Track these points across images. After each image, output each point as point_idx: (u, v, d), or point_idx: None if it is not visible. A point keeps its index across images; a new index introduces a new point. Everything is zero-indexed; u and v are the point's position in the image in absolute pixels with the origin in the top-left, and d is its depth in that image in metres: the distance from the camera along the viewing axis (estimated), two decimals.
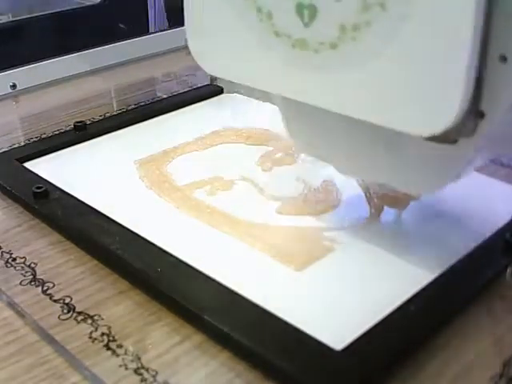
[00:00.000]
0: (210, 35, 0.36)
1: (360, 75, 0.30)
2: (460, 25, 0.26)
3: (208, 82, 0.63)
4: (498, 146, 0.36)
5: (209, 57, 0.37)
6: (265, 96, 0.55)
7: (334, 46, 0.30)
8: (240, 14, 0.33)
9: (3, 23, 0.69)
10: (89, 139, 0.54)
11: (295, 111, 0.38)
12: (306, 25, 0.31)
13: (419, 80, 0.28)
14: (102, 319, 0.34)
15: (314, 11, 0.30)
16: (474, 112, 0.30)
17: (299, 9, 0.31)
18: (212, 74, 0.39)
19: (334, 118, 0.32)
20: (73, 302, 0.35)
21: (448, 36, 0.27)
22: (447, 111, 0.28)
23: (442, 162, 0.34)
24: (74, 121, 0.55)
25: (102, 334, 0.33)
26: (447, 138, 0.31)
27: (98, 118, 0.58)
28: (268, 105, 0.59)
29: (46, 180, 0.46)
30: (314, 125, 0.38)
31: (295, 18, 0.31)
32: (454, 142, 0.31)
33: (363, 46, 0.29)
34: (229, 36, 0.35)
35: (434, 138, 0.30)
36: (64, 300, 0.35)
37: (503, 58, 0.29)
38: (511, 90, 0.29)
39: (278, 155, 0.50)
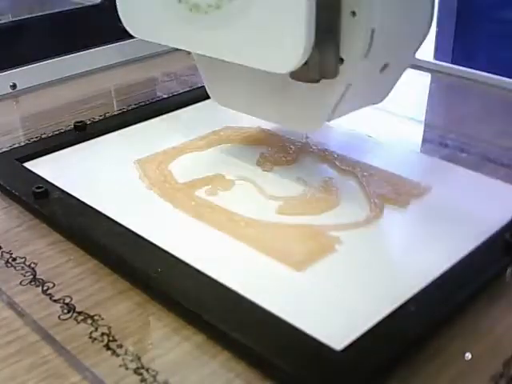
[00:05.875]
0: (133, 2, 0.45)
1: (234, 28, 0.38)
2: None
3: None
4: (360, 95, 0.44)
5: (132, 21, 0.45)
6: None
7: (218, 7, 0.39)
8: None
9: (3, 23, 0.69)
10: (89, 139, 0.54)
11: (211, 68, 0.47)
12: None
13: (274, 30, 0.37)
14: (102, 319, 0.34)
15: None
16: (335, 58, 0.39)
17: None
18: (136, 35, 0.46)
19: (238, 70, 0.40)
20: (73, 301, 0.35)
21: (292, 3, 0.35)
22: (294, 54, 0.36)
23: (316, 101, 0.42)
24: (74, 121, 0.55)
25: (102, 334, 0.33)
26: (309, 77, 0.39)
27: (98, 118, 0.58)
28: None
29: (46, 180, 0.46)
30: (224, 78, 0.47)
31: None
32: (317, 81, 0.40)
33: (234, 6, 0.38)
34: (145, 3, 0.44)
35: (298, 78, 0.40)
36: (64, 300, 0.35)
37: (353, 13, 0.37)
38: (362, 40, 0.38)
39: (279, 155, 0.50)
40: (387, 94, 0.46)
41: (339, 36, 0.38)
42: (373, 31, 0.38)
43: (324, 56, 0.39)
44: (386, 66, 0.42)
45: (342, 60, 0.39)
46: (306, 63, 0.37)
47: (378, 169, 0.47)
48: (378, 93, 0.46)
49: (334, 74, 0.39)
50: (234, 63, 0.40)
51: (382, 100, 0.47)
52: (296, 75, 0.40)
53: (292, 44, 0.36)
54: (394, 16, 0.40)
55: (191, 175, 0.47)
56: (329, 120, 0.43)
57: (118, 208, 0.43)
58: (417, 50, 0.44)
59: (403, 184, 0.45)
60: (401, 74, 0.45)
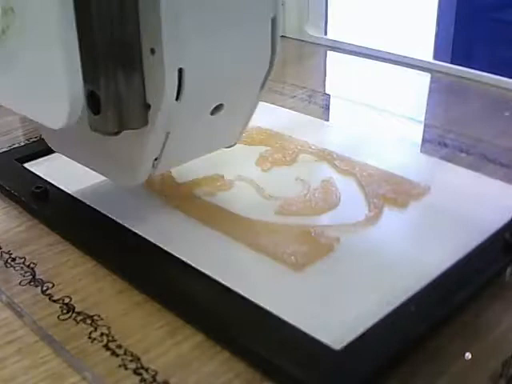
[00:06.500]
0: None
1: (10, 75, 0.34)
2: (54, 40, 0.30)
3: None
4: (194, 142, 0.39)
5: None
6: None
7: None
8: None
9: None
10: None
11: None
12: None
13: (42, 80, 0.32)
14: (102, 319, 0.34)
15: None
16: (138, 105, 0.33)
17: None
18: None
19: None
20: (72, 302, 0.35)
21: (50, 48, 0.30)
22: (63, 110, 0.31)
23: (134, 152, 0.36)
24: None
25: (102, 334, 0.33)
26: (107, 129, 0.33)
27: None
28: (268, 105, 0.59)
29: (45, 180, 0.46)
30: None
31: None
32: (116, 133, 0.33)
33: (7, 49, 0.33)
34: None
35: (97, 130, 0.33)
36: (63, 300, 0.35)
37: (152, 51, 0.32)
38: (168, 82, 0.32)
39: (278, 155, 0.50)
40: (238, 134, 0.42)
41: (142, 79, 0.33)
42: (181, 71, 0.33)
43: (123, 104, 0.33)
44: (219, 108, 0.37)
45: (149, 106, 0.33)
46: (100, 113, 0.33)
47: (377, 169, 0.47)
48: (221, 136, 0.41)
49: (140, 123, 0.34)
50: None
51: (234, 142, 0.42)
52: (94, 127, 0.34)
53: (58, 97, 0.31)
54: (213, 56, 0.35)
55: (191, 175, 0.47)
56: (156, 172, 0.38)
57: (117, 208, 0.43)
58: (262, 87, 0.39)
59: (403, 184, 0.45)
60: (251, 111, 0.40)
